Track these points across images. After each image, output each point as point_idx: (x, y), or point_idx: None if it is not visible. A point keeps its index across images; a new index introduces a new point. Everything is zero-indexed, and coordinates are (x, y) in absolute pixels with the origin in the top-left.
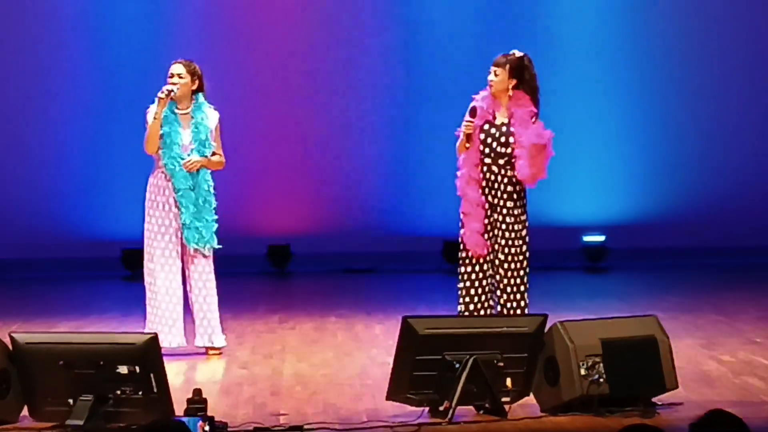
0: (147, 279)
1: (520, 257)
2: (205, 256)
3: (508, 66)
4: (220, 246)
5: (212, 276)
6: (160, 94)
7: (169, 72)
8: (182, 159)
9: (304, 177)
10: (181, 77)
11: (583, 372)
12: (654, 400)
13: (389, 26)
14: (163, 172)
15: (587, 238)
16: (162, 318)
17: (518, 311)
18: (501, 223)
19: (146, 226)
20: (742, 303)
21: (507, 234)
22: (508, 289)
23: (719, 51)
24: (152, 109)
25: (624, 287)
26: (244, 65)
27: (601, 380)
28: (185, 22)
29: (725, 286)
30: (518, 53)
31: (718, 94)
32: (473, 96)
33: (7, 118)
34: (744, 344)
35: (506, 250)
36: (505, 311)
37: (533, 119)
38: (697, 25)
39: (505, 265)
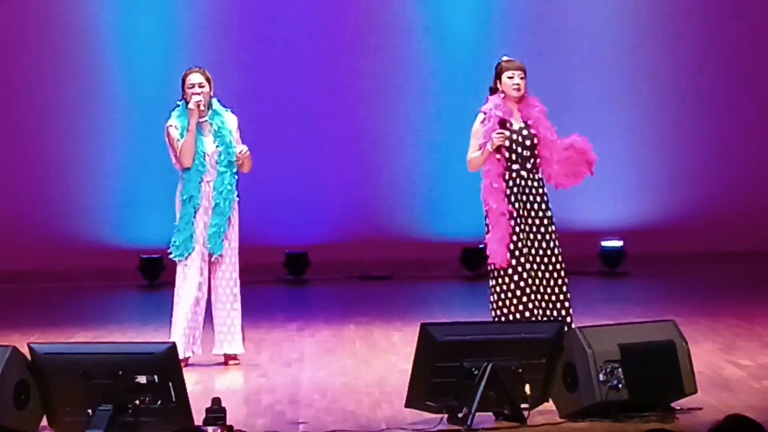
0: (178, 287)
1: (559, 258)
2: (229, 263)
3: (525, 69)
4: (221, 254)
5: (238, 284)
6: (191, 106)
7: (189, 82)
8: (201, 170)
9: (321, 185)
10: (202, 86)
11: (601, 377)
12: (673, 405)
13: (406, 34)
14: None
15: (605, 243)
16: (187, 328)
17: (569, 313)
18: (540, 226)
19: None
20: (761, 307)
21: (548, 236)
22: (564, 289)
23: (735, 57)
24: (174, 123)
25: (642, 292)
26: (261, 73)
27: (620, 386)
28: (199, 32)
29: (744, 290)
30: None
31: (735, 99)
32: (482, 110)
33: (24, 129)
34: (763, 348)
35: (556, 251)
36: (557, 312)
37: (546, 114)
38: (711, 32)
39: (558, 266)
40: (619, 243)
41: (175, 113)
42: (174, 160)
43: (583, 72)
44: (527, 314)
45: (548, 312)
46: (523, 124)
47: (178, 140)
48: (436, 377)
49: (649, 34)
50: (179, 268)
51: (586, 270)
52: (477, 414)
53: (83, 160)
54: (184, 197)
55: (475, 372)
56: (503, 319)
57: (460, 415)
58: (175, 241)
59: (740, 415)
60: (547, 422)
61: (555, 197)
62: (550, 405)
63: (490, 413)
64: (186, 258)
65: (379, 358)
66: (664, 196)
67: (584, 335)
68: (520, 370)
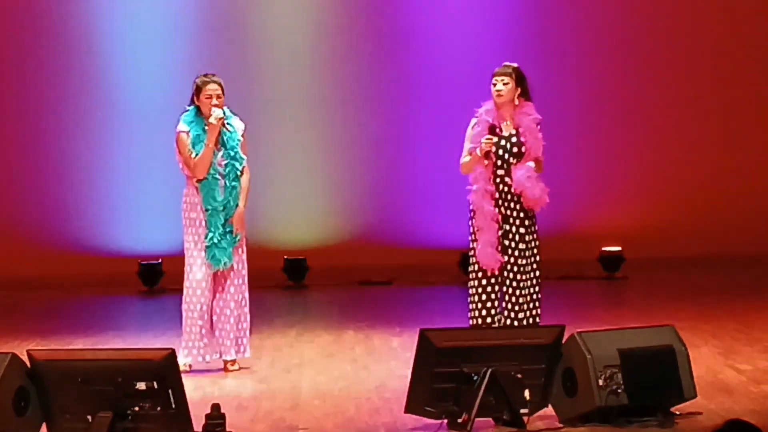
0: (185, 295)
1: (533, 267)
2: (238, 271)
3: (514, 75)
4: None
5: (246, 290)
6: (212, 121)
7: (206, 93)
8: (218, 177)
9: (320, 190)
10: (220, 97)
11: (601, 383)
12: (673, 409)
13: (407, 40)
14: (196, 189)
15: (604, 248)
16: (199, 335)
17: (530, 321)
18: (514, 234)
19: (185, 244)
20: (759, 311)
21: (520, 245)
22: (521, 300)
23: (734, 62)
24: (185, 129)
25: (641, 297)
26: (259, 76)
27: (620, 391)
28: (197, 34)
29: (743, 294)
30: (513, 64)
31: (735, 102)
32: (475, 109)
33: (22, 134)
34: (762, 353)
35: (519, 261)
36: (516, 323)
37: (538, 126)
38: (709, 33)
39: (518, 276)
40: (618, 248)
41: (185, 118)
42: (183, 167)
43: (584, 76)
44: (488, 318)
45: (514, 315)
46: (514, 131)
47: (190, 150)
48: (436, 383)
49: (647, 41)
50: (197, 277)
51: (585, 274)
52: (476, 419)
53: (82, 166)
54: (210, 207)
55: (475, 377)
56: (482, 321)
57: (459, 420)
58: (218, 253)
59: (740, 419)
60: (546, 428)
61: (555, 202)
62: (549, 410)
63: (490, 419)
64: (206, 266)
65: (378, 364)
66: (663, 201)
67: (583, 340)
68: (520, 376)
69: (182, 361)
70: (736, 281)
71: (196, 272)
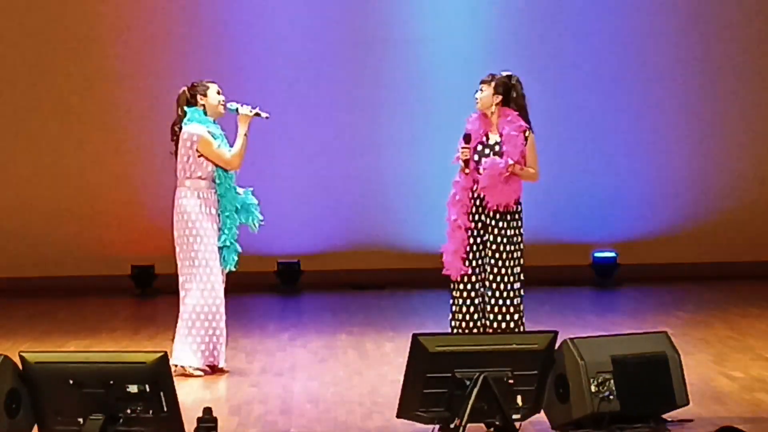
0: (208, 299)
1: (511, 278)
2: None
3: (493, 83)
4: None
5: None
6: (247, 113)
7: (217, 90)
8: (232, 177)
9: (313, 194)
10: None
11: (593, 389)
12: (665, 416)
13: (404, 45)
14: (199, 193)
15: (598, 254)
16: (223, 338)
17: (507, 331)
18: (492, 243)
19: (195, 249)
20: (752, 319)
21: (497, 255)
22: (496, 309)
23: (731, 68)
24: (206, 129)
25: (634, 303)
26: (254, 82)
27: (612, 397)
28: (194, 39)
29: (736, 301)
30: (506, 72)
31: (730, 110)
32: (467, 119)
33: (14, 135)
34: (755, 360)
35: (495, 270)
36: (491, 331)
37: (526, 133)
38: (707, 43)
39: (494, 285)
40: (611, 254)
41: (196, 120)
42: (193, 169)
43: (577, 84)
44: (467, 326)
45: (490, 323)
46: (498, 139)
47: (220, 145)
48: (428, 388)
49: (645, 48)
50: (212, 278)
51: (578, 281)
52: (468, 425)
53: (75, 169)
54: (232, 208)
55: (467, 383)
56: (455, 331)
57: (451, 425)
58: (231, 254)
59: (732, 427)
60: None
61: (548, 208)
62: (541, 416)
63: (482, 424)
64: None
65: (371, 369)
66: (657, 208)
67: (576, 346)
68: (512, 381)
69: (196, 364)
70: (729, 288)
71: (218, 274)
